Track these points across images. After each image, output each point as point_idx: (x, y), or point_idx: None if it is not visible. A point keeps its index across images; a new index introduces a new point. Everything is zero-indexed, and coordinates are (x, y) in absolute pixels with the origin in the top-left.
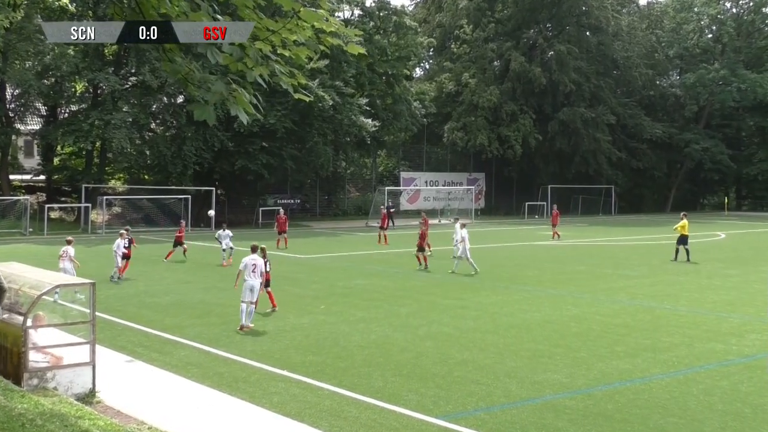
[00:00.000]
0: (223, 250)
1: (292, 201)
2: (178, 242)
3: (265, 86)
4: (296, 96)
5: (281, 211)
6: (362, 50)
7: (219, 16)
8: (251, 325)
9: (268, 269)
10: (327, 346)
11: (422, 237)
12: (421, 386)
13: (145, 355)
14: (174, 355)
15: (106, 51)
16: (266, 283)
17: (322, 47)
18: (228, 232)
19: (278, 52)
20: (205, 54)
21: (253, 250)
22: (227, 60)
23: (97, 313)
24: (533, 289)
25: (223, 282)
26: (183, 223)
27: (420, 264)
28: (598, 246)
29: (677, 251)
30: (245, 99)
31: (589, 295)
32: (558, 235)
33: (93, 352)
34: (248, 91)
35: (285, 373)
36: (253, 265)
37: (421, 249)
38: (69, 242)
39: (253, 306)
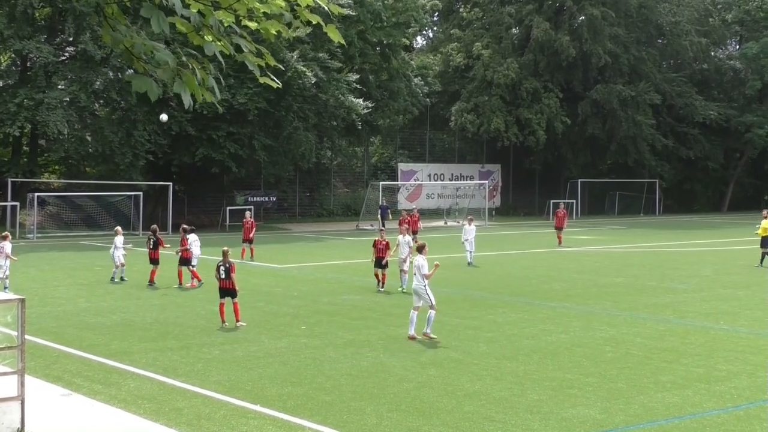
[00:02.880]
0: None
1: (267, 198)
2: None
3: (222, 64)
4: (262, 80)
5: (248, 214)
6: (341, 38)
7: None
8: (433, 336)
9: (222, 276)
10: (309, 375)
11: (386, 247)
12: (423, 423)
13: (85, 387)
14: (122, 386)
15: (37, 15)
16: (229, 293)
17: (297, 23)
18: (195, 237)
19: (243, 23)
20: (149, 20)
21: (420, 249)
22: (184, 27)
23: (27, 337)
24: (560, 305)
25: (181, 298)
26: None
27: (378, 284)
28: (639, 253)
29: (763, 256)
30: (194, 79)
31: (629, 312)
32: (560, 240)
33: (22, 384)
34: (207, 69)
35: (258, 408)
36: (416, 266)
37: (380, 263)
38: (5, 237)
39: (432, 312)
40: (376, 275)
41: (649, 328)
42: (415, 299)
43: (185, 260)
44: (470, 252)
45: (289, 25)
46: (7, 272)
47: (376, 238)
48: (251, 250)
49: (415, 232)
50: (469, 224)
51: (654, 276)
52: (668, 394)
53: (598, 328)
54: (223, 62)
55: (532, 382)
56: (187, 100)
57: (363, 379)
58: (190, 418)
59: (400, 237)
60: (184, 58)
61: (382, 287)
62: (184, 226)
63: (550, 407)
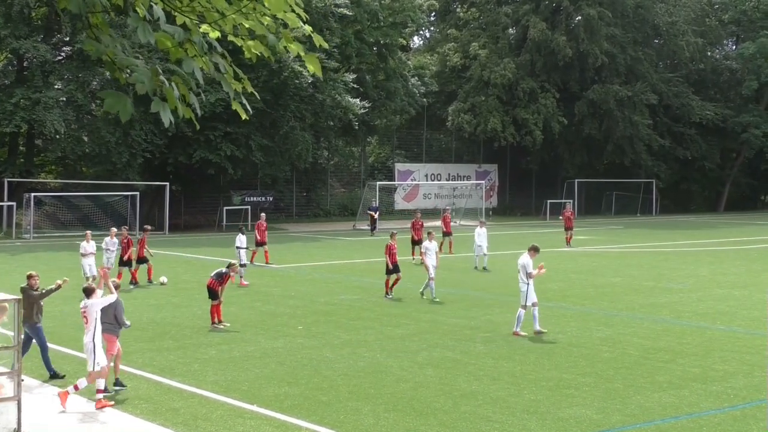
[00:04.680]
0: (242, 265)
1: (263, 199)
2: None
3: (201, 82)
4: (233, 106)
5: (263, 216)
6: (319, 70)
7: None
8: (543, 330)
9: (211, 274)
10: (306, 375)
11: (391, 252)
12: (420, 423)
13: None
14: None
15: (33, 15)
16: (210, 294)
17: (279, 44)
18: (242, 238)
19: (228, 38)
20: (135, 31)
21: (530, 249)
22: (165, 42)
23: (23, 337)
24: (557, 305)
25: (178, 297)
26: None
27: (388, 293)
28: (635, 253)
29: None
30: (174, 95)
31: (625, 312)
32: (569, 241)
33: (18, 384)
34: (186, 84)
35: (255, 408)
36: (521, 265)
37: (394, 269)
38: (85, 237)
39: (535, 309)
40: (388, 283)
41: (645, 328)
42: (522, 297)
43: (140, 259)
44: (481, 256)
45: (273, 49)
46: (93, 272)
47: (390, 243)
48: (266, 253)
49: (448, 234)
50: (481, 227)
51: (651, 276)
52: (665, 394)
53: (594, 328)
54: (201, 80)
55: (528, 382)
56: (166, 120)
57: (360, 379)
58: (186, 418)
59: (428, 243)
60: (161, 76)
61: (391, 294)
62: (146, 226)
63: (546, 407)
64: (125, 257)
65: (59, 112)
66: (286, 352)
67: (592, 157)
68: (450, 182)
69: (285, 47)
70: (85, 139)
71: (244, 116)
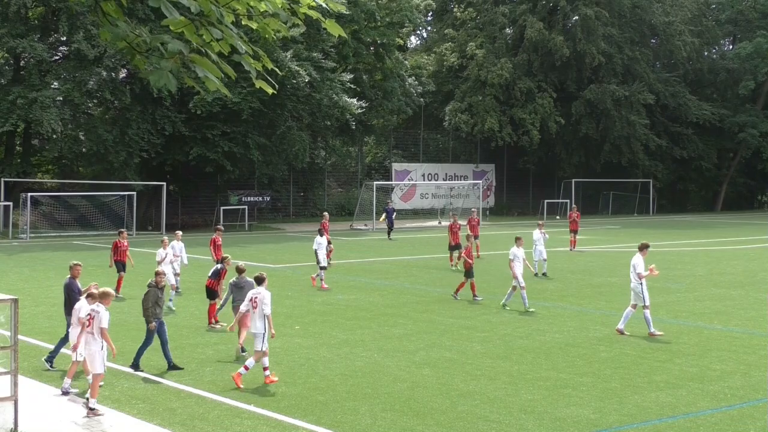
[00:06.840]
0: (322, 267)
1: (260, 199)
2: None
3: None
4: (258, 84)
5: (327, 216)
6: (341, 31)
7: None
8: (659, 332)
9: (209, 274)
10: (303, 375)
11: (468, 254)
12: (417, 423)
13: (79, 387)
14: (115, 386)
15: (30, 14)
16: (209, 294)
17: (295, 19)
18: (322, 239)
19: (242, 23)
20: (159, 8)
21: (642, 248)
22: (179, 25)
23: (20, 337)
24: (554, 305)
25: (174, 297)
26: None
27: (456, 294)
28: (632, 253)
29: None
30: (210, 64)
31: (623, 312)
32: (575, 244)
33: (15, 384)
34: (216, 66)
35: (251, 408)
36: (633, 265)
37: (469, 272)
38: (162, 242)
39: (647, 311)
40: (462, 285)
41: (642, 327)
42: (633, 297)
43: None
44: (540, 261)
45: (286, 23)
46: (171, 281)
47: (467, 246)
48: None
49: (475, 237)
50: (540, 230)
51: None
52: (662, 393)
53: (592, 328)
54: (225, 54)
55: (526, 381)
56: (212, 83)
57: (357, 378)
58: (183, 418)
59: (515, 249)
60: (195, 45)
61: (479, 297)
62: (219, 226)
63: (544, 407)
64: (116, 259)
65: (56, 112)
66: (283, 352)
67: (589, 157)
68: (447, 182)
69: (299, 20)
70: (82, 138)
71: (271, 91)
